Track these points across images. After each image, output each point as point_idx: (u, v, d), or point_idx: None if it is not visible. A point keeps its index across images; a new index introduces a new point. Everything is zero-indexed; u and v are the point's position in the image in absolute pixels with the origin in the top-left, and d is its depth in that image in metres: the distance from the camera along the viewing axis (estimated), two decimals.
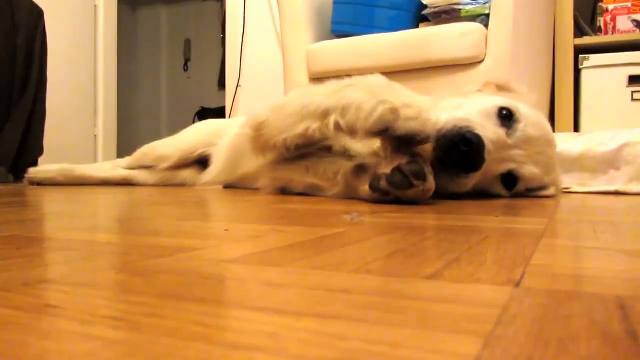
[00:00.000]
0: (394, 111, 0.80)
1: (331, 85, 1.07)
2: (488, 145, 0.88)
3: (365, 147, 1.02)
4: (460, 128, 0.86)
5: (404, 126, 0.80)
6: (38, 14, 2.36)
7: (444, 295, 0.25)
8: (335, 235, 0.47)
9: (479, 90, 1.12)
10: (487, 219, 0.63)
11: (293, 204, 0.88)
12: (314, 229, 0.51)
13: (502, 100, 1.00)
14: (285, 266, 0.32)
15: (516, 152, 0.96)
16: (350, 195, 0.93)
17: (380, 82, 1.11)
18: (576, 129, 2.05)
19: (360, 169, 0.91)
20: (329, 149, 1.06)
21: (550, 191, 1.08)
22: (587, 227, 0.56)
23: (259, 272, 0.30)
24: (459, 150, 0.85)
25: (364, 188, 0.86)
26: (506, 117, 0.96)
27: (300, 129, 0.98)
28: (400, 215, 0.67)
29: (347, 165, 0.96)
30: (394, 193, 0.80)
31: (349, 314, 0.22)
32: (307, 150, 1.06)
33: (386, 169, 0.80)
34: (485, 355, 0.17)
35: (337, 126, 0.90)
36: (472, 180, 0.90)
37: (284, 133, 1.02)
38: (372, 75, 1.14)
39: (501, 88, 1.13)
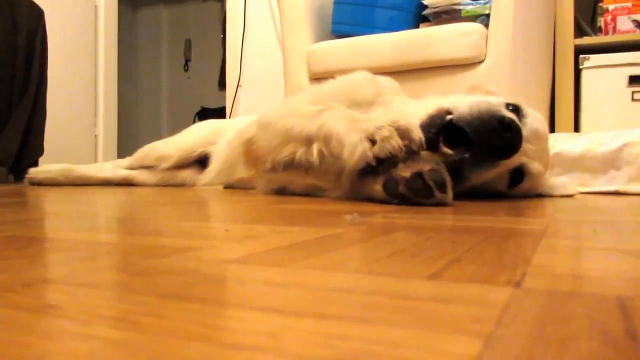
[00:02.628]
0: (371, 140, 0.78)
1: (312, 97, 1.07)
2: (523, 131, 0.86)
3: None
4: (495, 112, 0.83)
5: (382, 148, 0.77)
6: (38, 14, 2.36)
7: (444, 295, 0.25)
8: (335, 235, 0.47)
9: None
10: (487, 219, 0.63)
11: (293, 204, 0.87)
12: (314, 229, 0.51)
13: (505, 98, 1.00)
14: (285, 266, 0.32)
15: (527, 146, 0.94)
16: (355, 196, 0.92)
17: (363, 79, 1.11)
18: (576, 129, 2.05)
19: (366, 169, 0.87)
20: None
21: (569, 191, 1.09)
22: (587, 227, 0.56)
23: (259, 272, 0.30)
24: (499, 136, 0.82)
25: (377, 188, 0.83)
26: (513, 112, 0.95)
27: (286, 152, 0.99)
28: (400, 215, 0.67)
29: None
30: (412, 199, 0.77)
31: (349, 314, 0.22)
32: None
33: (405, 173, 0.77)
34: (485, 355, 0.17)
35: (321, 154, 0.91)
36: (499, 169, 0.88)
37: (272, 154, 1.03)
38: (355, 72, 1.15)
39: (488, 93, 1.13)
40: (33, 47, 2.30)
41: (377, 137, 0.78)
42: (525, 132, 0.91)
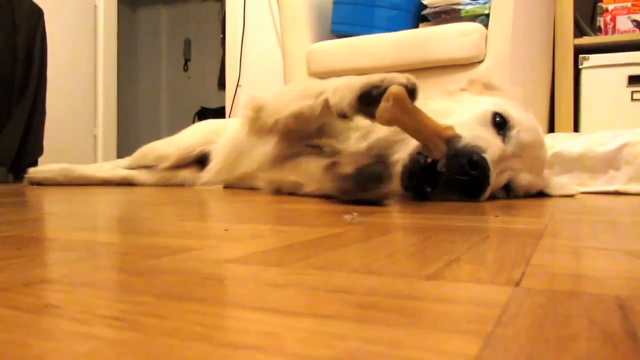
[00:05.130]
0: (383, 79, 0.81)
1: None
2: (491, 167, 0.87)
3: (350, 147, 1.02)
4: (472, 147, 0.85)
5: (388, 81, 0.80)
6: (38, 14, 2.36)
7: (444, 295, 0.25)
8: (335, 235, 0.47)
9: (463, 89, 1.12)
10: (487, 219, 0.63)
11: (293, 204, 0.88)
12: (314, 229, 0.51)
13: (494, 104, 0.99)
14: (285, 266, 0.32)
15: (512, 161, 0.95)
16: (323, 192, 0.93)
17: None
18: (576, 129, 2.05)
19: (334, 166, 0.91)
20: (320, 150, 1.06)
21: (570, 190, 1.09)
22: (587, 227, 0.56)
23: (259, 272, 0.30)
24: (465, 174, 0.84)
25: (331, 185, 0.86)
26: (500, 124, 0.95)
27: (293, 107, 1.01)
28: (400, 215, 0.67)
29: (323, 162, 0.97)
30: (353, 193, 0.80)
31: (349, 314, 0.22)
32: (297, 148, 1.08)
33: (348, 169, 0.80)
34: (485, 355, 0.17)
35: (326, 105, 0.92)
36: (481, 199, 0.90)
37: (278, 113, 1.05)
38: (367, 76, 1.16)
39: (486, 86, 1.13)
40: (33, 47, 2.30)
41: (389, 77, 0.81)
42: (508, 149, 0.93)
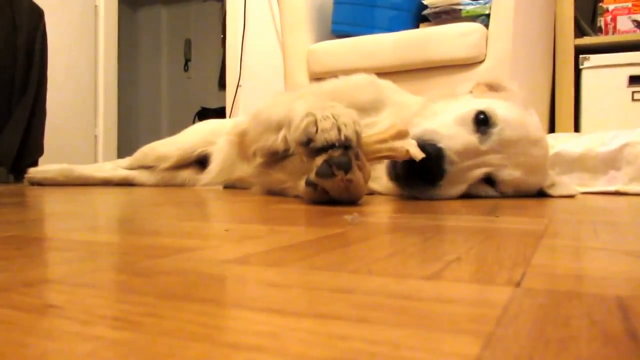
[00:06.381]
0: (315, 122, 0.81)
1: (308, 94, 1.10)
2: (451, 156, 0.89)
3: None
4: (423, 142, 0.87)
5: (320, 138, 0.79)
6: (38, 14, 2.36)
7: (444, 295, 0.25)
8: (335, 235, 0.47)
9: (470, 92, 1.12)
10: (488, 219, 0.63)
11: (292, 204, 0.88)
12: (314, 229, 0.51)
13: (482, 104, 1.00)
14: (286, 266, 0.32)
15: (492, 157, 0.96)
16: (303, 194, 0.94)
17: (364, 82, 1.13)
18: (576, 129, 2.05)
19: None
20: None
21: (570, 191, 1.10)
22: (587, 227, 0.56)
23: (259, 272, 0.30)
24: (420, 162, 0.86)
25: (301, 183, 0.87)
26: (482, 122, 0.96)
27: (263, 141, 1.03)
28: (400, 215, 0.67)
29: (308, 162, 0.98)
30: (319, 183, 0.81)
31: (349, 314, 0.22)
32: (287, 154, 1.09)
33: (318, 161, 0.81)
34: (485, 355, 0.17)
35: (285, 140, 0.93)
36: (443, 190, 0.91)
37: (255, 143, 1.07)
38: (357, 74, 1.16)
39: (492, 87, 1.13)
40: (33, 47, 2.30)
41: (319, 126, 0.80)
42: (484, 145, 0.95)
